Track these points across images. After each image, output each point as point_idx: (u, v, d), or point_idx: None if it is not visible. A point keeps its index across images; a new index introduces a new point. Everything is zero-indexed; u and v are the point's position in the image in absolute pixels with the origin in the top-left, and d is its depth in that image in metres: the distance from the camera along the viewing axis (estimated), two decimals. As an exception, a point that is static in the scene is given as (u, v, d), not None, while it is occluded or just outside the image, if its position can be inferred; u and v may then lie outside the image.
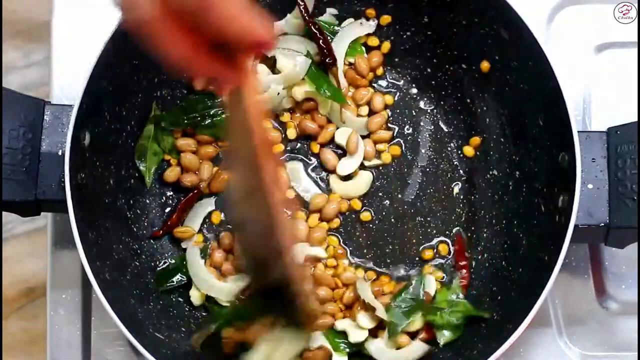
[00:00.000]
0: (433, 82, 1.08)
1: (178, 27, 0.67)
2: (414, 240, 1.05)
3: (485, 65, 1.03)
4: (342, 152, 1.06)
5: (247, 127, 0.74)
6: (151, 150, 1.04)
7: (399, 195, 1.06)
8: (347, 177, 1.06)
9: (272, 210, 0.78)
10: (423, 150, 1.07)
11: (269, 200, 0.77)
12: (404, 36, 1.08)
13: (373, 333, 1.00)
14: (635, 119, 0.96)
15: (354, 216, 1.05)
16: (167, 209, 1.05)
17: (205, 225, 1.05)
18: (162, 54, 0.68)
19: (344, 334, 1.00)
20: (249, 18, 0.67)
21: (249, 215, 0.80)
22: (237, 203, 0.80)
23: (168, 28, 0.67)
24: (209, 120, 1.05)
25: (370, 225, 1.05)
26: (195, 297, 1.02)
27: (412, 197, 1.06)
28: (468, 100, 1.07)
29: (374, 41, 1.08)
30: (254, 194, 0.78)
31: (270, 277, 0.83)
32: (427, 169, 1.07)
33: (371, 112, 1.07)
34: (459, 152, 1.07)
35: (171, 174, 1.04)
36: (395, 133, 1.08)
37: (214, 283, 1.01)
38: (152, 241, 1.04)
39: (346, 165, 1.05)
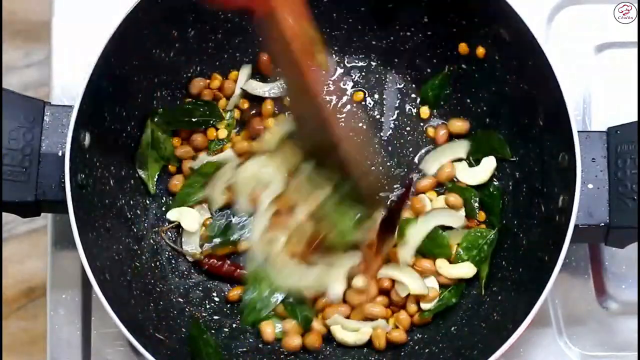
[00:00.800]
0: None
1: None
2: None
3: (480, 50, 1.03)
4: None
5: (284, 40, 0.81)
6: (151, 157, 1.04)
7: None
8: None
9: (322, 108, 0.85)
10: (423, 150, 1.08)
11: (317, 100, 0.85)
12: (404, 36, 1.08)
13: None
14: (635, 119, 0.96)
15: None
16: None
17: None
18: None
19: None
20: None
21: (304, 113, 0.88)
22: (291, 105, 0.90)
23: None
24: (204, 127, 1.05)
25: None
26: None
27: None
28: (468, 100, 1.07)
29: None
30: (303, 96, 0.85)
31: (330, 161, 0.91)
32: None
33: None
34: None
35: (177, 183, 1.05)
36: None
37: None
38: (152, 241, 1.04)
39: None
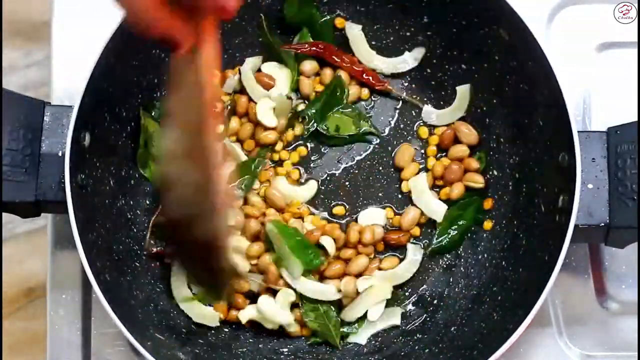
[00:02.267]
0: (433, 82, 1.08)
1: None
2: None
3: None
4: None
5: (197, 85, 0.76)
6: (151, 157, 1.04)
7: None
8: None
9: (210, 170, 0.78)
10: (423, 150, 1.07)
11: (209, 160, 0.77)
12: (404, 36, 1.08)
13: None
14: (635, 119, 0.96)
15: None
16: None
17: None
18: (124, 4, 0.71)
19: None
20: None
21: (184, 173, 0.79)
22: (172, 159, 0.80)
23: None
24: None
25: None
26: None
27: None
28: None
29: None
30: (193, 152, 0.78)
31: (195, 234, 0.82)
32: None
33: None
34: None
35: None
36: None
37: None
38: (152, 242, 1.04)
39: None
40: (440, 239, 1.04)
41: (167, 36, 0.73)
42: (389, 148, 1.07)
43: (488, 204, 1.04)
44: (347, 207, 1.06)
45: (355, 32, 1.08)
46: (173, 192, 0.81)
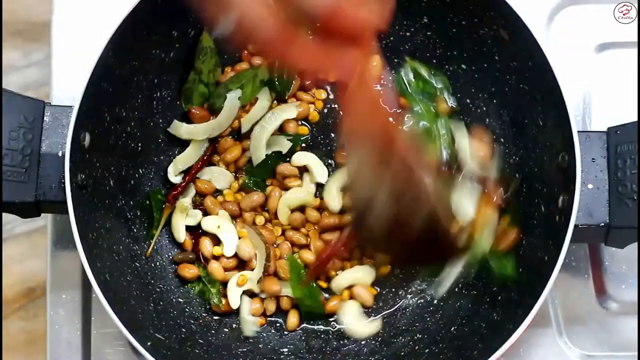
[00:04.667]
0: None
1: (299, 36, 0.72)
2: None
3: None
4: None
5: (373, 107, 0.78)
6: (197, 92, 1.05)
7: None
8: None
9: (416, 175, 0.80)
10: (423, 150, 1.08)
11: (410, 168, 0.80)
12: (404, 36, 1.08)
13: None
14: (635, 119, 0.96)
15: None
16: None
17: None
18: (292, 64, 0.74)
19: None
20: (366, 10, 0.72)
21: (383, 188, 0.82)
22: (365, 183, 0.83)
23: (293, 40, 0.72)
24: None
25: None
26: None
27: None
28: (467, 101, 1.07)
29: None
30: (387, 168, 0.80)
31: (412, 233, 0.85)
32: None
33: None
34: (459, 152, 1.07)
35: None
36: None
37: None
38: (152, 242, 1.04)
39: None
40: None
41: (337, 72, 0.77)
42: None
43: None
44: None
45: None
46: (375, 210, 0.84)
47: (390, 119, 0.79)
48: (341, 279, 1.04)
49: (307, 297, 1.02)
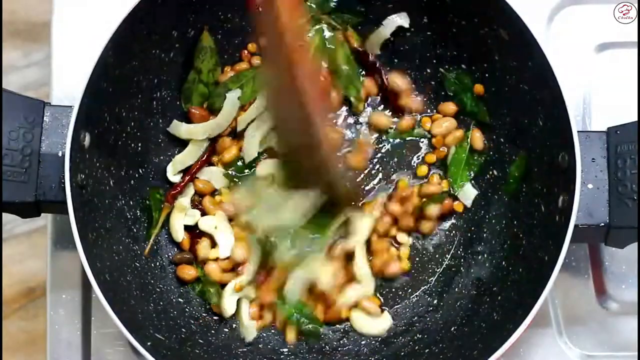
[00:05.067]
0: (432, 83, 1.08)
1: None
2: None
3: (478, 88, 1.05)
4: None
5: (280, 27, 0.78)
6: (197, 91, 1.06)
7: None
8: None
9: (309, 104, 0.81)
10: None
11: (305, 95, 0.80)
12: (404, 37, 1.08)
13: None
14: (635, 119, 0.96)
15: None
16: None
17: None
18: None
19: None
20: None
21: (286, 108, 0.83)
22: (273, 99, 0.84)
23: None
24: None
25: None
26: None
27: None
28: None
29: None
30: (290, 90, 0.81)
31: (309, 162, 0.86)
32: (427, 169, 1.07)
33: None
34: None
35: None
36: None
37: None
38: (150, 241, 1.04)
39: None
40: None
41: None
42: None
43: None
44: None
45: None
46: (281, 127, 0.86)
47: (292, 52, 0.79)
48: (345, 298, 1.02)
49: (298, 312, 1.01)
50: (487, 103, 1.05)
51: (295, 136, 0.85)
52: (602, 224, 0.94)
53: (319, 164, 0.88)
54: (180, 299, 1.03)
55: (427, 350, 1.00)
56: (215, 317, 1.03)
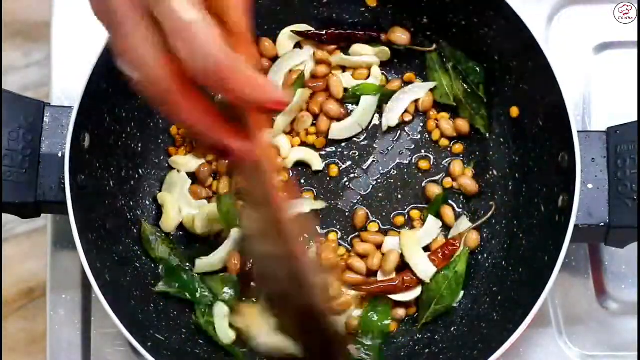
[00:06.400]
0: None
1: (193, 95, 0.67)
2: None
3: (514, 110, 1.03)
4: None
5: (259, 172, 0.74)
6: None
7: (399, 197, 1.06)
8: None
9: (291, 246, 0.78)
10: (422, 150, 1.07)
11: (287, 237, 0.77)
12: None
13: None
14: (635, 119, 0.96)
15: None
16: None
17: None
18: (178, 120, 0.68)
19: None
20: (263, 82, 0.67)
21: (268, 254, 0.80)
22: (254, 242, 0.80)
23: (184, 97, 0.67)
24: None
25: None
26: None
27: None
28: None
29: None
30: (271, 234, 0.77)
31: (293, 307, 0.82)
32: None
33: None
34: (459, 152, 1.07)
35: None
36: (395, 133, 1.08)
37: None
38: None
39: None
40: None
41: (219, 149, 0.70)
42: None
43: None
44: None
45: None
46: (262, 270, 0.82)
47: (272, 196, 0.74)
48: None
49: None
50: (487, 104, 1.05)
51: (279, 279, 0.81)
52: (602, 224, 0.94)
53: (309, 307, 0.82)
54: (180, 300, 1.03)
55: (427, 351, 1.00)
56: (215, 317, 1.03)
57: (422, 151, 1.07)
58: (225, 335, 1.00)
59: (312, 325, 0.83)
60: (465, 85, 1.05)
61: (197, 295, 1.01)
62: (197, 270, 1.01)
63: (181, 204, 1.04)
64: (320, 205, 1.04)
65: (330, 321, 0.84)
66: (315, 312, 0.82)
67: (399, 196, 1.05)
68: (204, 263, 1.02)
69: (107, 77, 0.95)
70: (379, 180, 1.06)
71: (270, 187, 0.75)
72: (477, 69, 1.04)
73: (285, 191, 0.76)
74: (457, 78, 1.05)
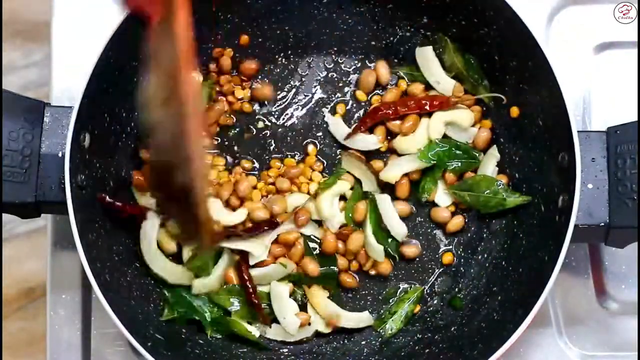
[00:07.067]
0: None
1: None
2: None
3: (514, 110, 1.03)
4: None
5: (172, 38, 0.78)
6: None
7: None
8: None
9: (186, 119, 0.80)
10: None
11: (184, 110, 0.80)
12: (404, 36, 1.08)
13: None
14: (635, 119, 0.96)
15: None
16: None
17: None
18: None
19: None
20: None
21: (163, 120, 0.82)
22: (153, 106, 0.83)
23: None
24: None
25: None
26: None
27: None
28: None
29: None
30: (171, 101, 0.80)
31: (174, 181, 0.83)
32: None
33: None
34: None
35: None
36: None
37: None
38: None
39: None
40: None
41: (138, 10, 0.77)
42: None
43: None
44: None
45: (427, 55, 1.07)
46: (156, 138, 0.83)
47: (181, 65, 0.79)
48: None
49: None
50: (485, 103, 1.05)
51: (170, 149, 0.84)
52: (602, 224, 0.94)
53: (186, 182, 0.84)
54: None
55: (427, 351, 1.00)
56: (215, 317, 1.03)
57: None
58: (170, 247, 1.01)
59: (186, 201, 0.84)
60: (465, 58, 1.04)
61: (207, 318, 1.01)
62: (194, 292, 1.01)
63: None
64: None
65: (201, 199, 0.85)
66: (191, 189, 0.83)
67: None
68: (201, 284, 1.01)
69: (107, 77, 0.95)
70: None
71: (178, 51, 0.78)
72: (472, 61, 1.04)
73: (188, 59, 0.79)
74: (457, 51, 1.05)
